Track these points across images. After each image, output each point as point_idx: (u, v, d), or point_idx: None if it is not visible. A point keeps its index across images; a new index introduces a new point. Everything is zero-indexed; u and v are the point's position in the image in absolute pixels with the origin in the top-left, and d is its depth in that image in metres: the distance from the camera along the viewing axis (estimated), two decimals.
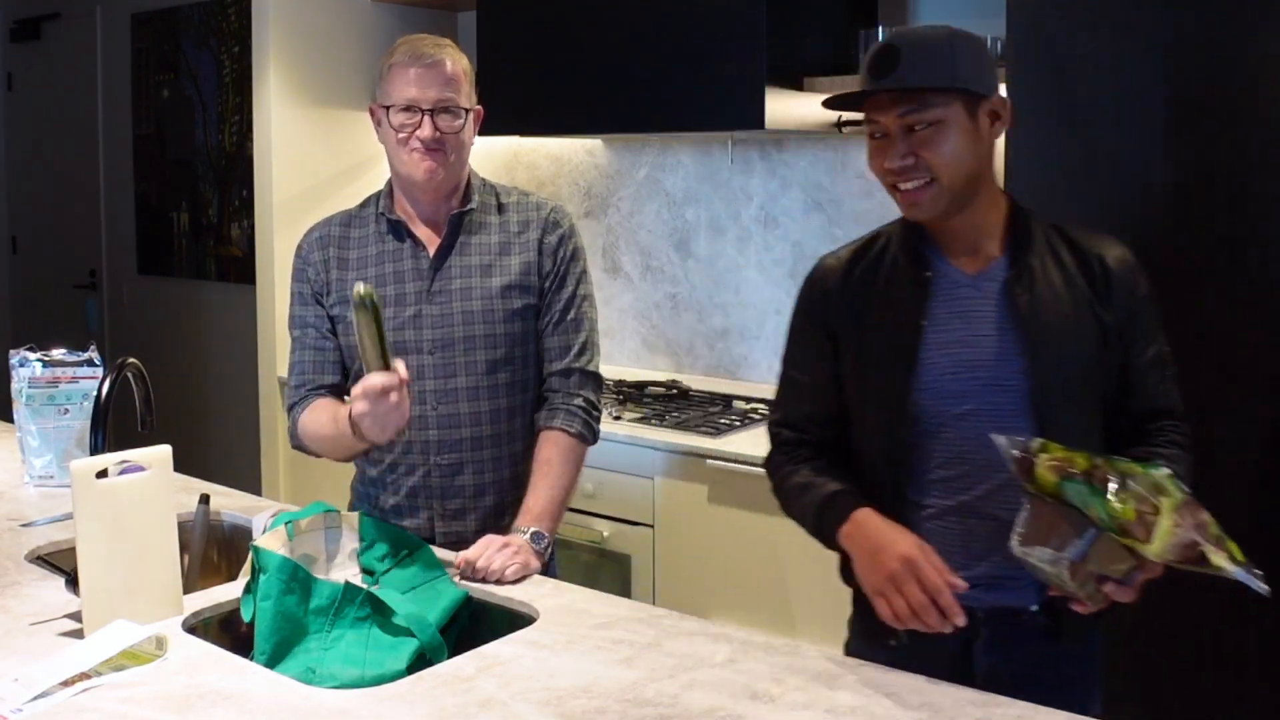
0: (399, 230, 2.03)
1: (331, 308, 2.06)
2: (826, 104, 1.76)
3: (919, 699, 1.44)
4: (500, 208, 2.07)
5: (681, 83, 3.08)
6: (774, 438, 1.82)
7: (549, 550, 1.94)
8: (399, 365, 1.73)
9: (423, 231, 2.03)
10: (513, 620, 1.73)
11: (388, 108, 1.95)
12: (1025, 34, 2.40)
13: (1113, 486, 1.43)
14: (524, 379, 2.05)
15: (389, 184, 2.07)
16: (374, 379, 1.71)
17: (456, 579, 1.81)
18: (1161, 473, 1.44)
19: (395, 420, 1.75)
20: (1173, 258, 2.28)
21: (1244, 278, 2.23)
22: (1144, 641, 2.31)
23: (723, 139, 3.49)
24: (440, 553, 1.86)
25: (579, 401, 2.04)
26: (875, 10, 3.15)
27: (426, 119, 1.93)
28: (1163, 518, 1.40)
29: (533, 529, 1.90)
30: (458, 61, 1.97)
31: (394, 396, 1.72)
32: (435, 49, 1.95)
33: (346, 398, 1.98)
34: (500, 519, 2.01)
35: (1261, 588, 1.38)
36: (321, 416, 1.97)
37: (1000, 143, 2.48)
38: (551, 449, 2.00)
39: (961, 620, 1.53)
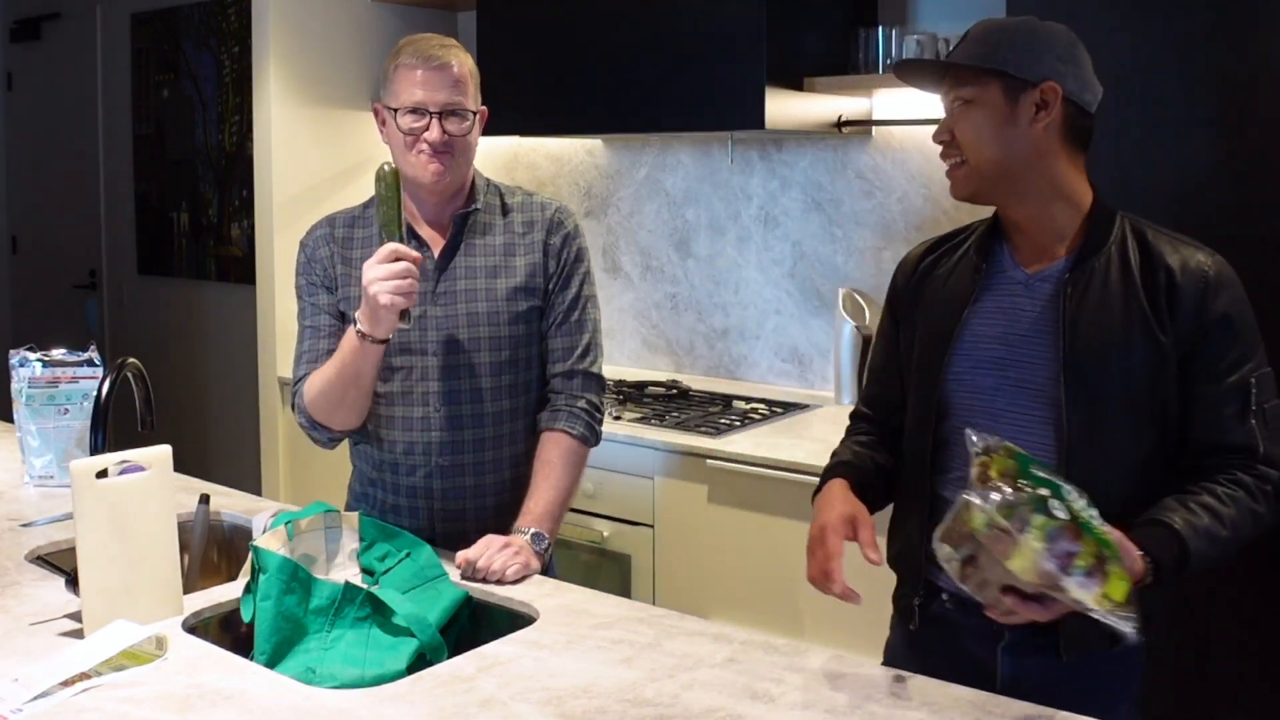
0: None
1: (340, 302, 2.04)
2: (894, 69, 1.76)
3: (919, 699, 1.44)
4: (505, 208, 2.06)
5: (681, 83, 3.08)
6: (851, 413, 1.90)
7: (549, 551, 1.94)
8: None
9: (427, 232, 2.02)
10: (513, 620, 1.73)
11: (394, 109, 1.94)
12: None
13: (976, 501, 1.38)
14: (527, 380, 2.04)
15: None
16: (388, 245, 1.79)
17: (457, 579, 1.81)
18: (1055, 495, 1.37)
19: (404, 290, 1.77)
20: None
21: (1244, 278, 2.22)
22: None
23: (723, 139, 3.49)
24: (441, 554, 1.86)
25: (582, 404, 2.04)
26: (875, 10, 3.15)
27: (434, 122, 1.92)
28: (1030, 539, 1.35)
29: (533, 530, 1.90)
30: (464, 63, 1.96)
31: (404, 264, 1.77)
32: (442, 50, 1.94)
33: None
34: (501, 519, 2.00)
35: (1127, 631, 1.33)
36: (325, 363, 1.95)
37: None
38: (553, 450, 2.00)
39: (847, 596, 1.53)
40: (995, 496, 1.38)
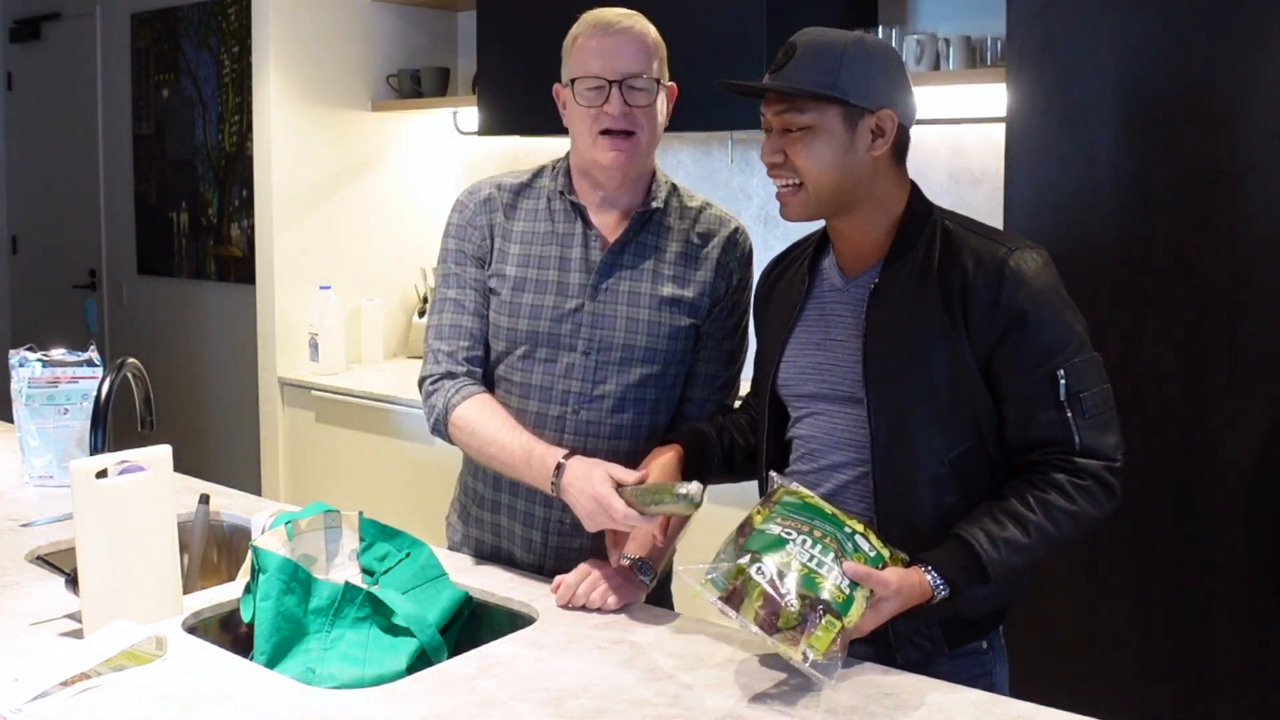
0: (575, 214, 1.89)
1: (490, 278, 1.91)
2: (720, 87, 1.75)
3: (919, 699, 1.44)
4: (684, 213, 1.92)
5: (682, 83, 3.07)
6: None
7: (654, 580, 1.81)
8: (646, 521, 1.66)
9: (600, 221, 1.89)
10: (513, 620, 1.73)
11: (573, 82, 1.83)
12: (1025, 34, 2.40)
13: (694, 578, 1.49)
14: (669, 400, 1.90)
15: (566, 161, 1.95)
16: (643, 527, 1.68)
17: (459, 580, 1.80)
18: (758, 556, 1.47)
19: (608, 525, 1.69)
20: (1171, 257, 2.28)
21: (1243, 277, 2.23)
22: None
23: (723, 138, 3.49)
24: (441, 553, 1.86)
25: None
26: (875, 10, 3.15)
27: (614, 92, 1.79)
28: (750, 600, 1.44)
29: (639, 557, 1.78)
30: (648, 31, 1.85)
31: (626, 529, 1.69)
32: (623, 17, 1.83)
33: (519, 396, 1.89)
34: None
35: (820, 679, 1.42)
36: (505, 437, 1.81)
37: (999, 143, 2.50)
38: None
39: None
40: (718, 568, 1.49)
